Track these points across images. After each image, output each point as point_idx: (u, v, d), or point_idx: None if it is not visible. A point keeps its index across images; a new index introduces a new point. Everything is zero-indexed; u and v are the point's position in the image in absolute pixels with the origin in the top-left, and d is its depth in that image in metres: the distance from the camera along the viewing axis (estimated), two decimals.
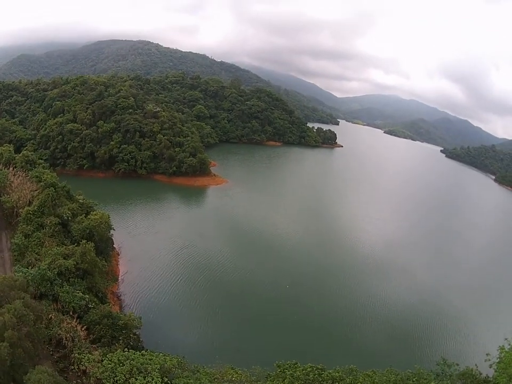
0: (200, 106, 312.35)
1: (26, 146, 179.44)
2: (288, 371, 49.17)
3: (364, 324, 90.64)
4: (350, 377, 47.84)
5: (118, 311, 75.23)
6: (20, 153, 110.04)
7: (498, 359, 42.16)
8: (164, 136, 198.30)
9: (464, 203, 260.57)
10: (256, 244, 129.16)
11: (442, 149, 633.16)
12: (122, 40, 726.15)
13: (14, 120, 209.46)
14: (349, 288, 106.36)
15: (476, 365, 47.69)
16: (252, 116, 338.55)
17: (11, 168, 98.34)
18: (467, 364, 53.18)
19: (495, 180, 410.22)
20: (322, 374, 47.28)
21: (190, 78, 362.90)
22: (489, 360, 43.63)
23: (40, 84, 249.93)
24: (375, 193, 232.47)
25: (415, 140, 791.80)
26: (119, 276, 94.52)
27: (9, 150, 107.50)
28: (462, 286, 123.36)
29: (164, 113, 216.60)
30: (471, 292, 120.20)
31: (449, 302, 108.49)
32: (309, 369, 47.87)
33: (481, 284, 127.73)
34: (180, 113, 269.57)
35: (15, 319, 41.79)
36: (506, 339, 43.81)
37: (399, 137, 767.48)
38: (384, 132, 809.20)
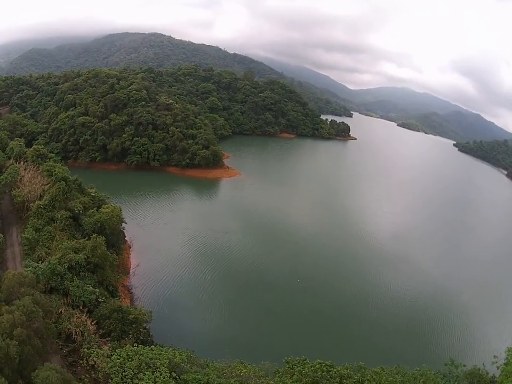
0: (213, 98, 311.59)
1: (37, 139, 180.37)
2: (297, 367, 49.03)
3: (372, 318, 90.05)
4: (358, 374, 47.70)
5: (129, 304, 75.54)
6: (31, 147, 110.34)
7: (506, 361, 41.68)
8: (176, 129, 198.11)
9: (476, 197, 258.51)
10: (268, 236, 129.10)
11: (455, 142, 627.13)
12: (134, 33, 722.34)
13: (25, 114, 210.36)
14: (358, 282, 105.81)
15: (483, 364, 47.37)
16: (265, 108, 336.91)
17: (22, 162, 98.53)
18: (474, 362, 52.96)
19: (507, 175, 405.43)
20: (330, 371, 46.95)
21: (203, 70, 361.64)
22: (496, 362, 43.24)
23: (51, 77, 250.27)
24: (388, 187, 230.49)
25: (427, 133, 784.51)
26: (131, 269, 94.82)
27: (20, 144, 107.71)
28: (472, 281, 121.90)
29: (176, 105, 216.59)
30: (480, 288, 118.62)
31: (458, 298, 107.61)
32: (317, 365, 47.52)
33: (491, 280, 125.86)
34: (193, 105, 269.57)
35: (24, 317, 42.00)
36: None
37: (412, 130, 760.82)
38: (397, 125, 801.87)
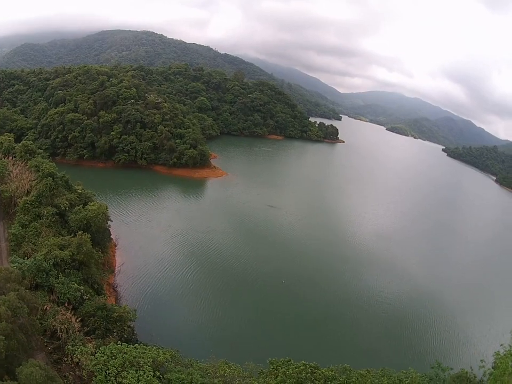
0: (202, 98, 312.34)
1: (27, 135, 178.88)
2: (281, 368, 49.09)
3: (359, 321, 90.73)
4: (343, 376, 47.76)
5: (114, 302, 75.46)
6: (20, 143, 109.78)
7: (494, 365, 41.97)
8: (164, 127, 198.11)
9: (464, 202, 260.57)
10: (253, 236, 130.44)
11: (444, 147, 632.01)
12: (126, 30, 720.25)
13: (15, 109, 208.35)
14: (343, 283, 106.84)
15: (470, 367, 47.63)
16: (254, 109, 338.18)
17: (10, 158, 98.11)
18: (460, 365, 53.24)
19: (496, 181, 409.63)
20: (315, 372, 47.04)
21: (193, 70, 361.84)
22: (484, 366, 43.53)
23: (42, 73, 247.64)
24: (375, 190, 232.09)
25: (416, 138, 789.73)
26: (116, 267, 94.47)
27: (9, 139, 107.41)
28: (458, 284, 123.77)
29: (165, 104, 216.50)
30: (467, 292, 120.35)
31: (444, 301, 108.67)
32: (302, 367, 47.59)
33: (478, 284, 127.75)
34: (182, 104, 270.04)
35: (10, 312, 41.68)
36: (501, 345, 43.51)
37: (401, 134, 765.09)
38: (386, 129, 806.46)
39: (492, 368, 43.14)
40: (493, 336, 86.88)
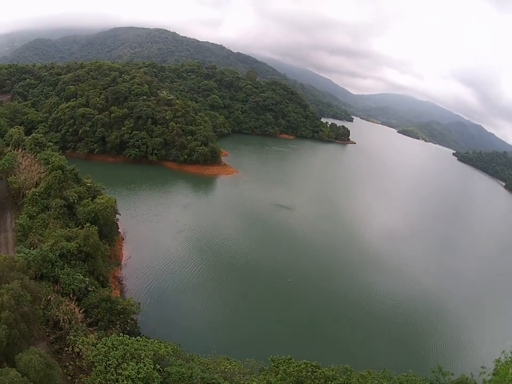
0: (214, 96, 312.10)
1: (37, 128, 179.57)
2: (282, 366, 48.95)
3: (362, 323, 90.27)
4: (344, 377, 47.52)
5: (119, 295, 75.63)
6: (30, 136, 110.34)
7: (494, 371, 41.75)
8: (176, 124, 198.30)
9: (474, 208, 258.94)
10: (260, 233, 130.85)
11: (455, 152, 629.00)
12: (139, 27, 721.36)
13: (26, 103, 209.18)
14: (351, 286, 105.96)
15: (471, 373, 47.39)
16: (266, 108, 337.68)
17: (20, 150, 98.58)
18: (463, 371, 52.98)
19: (505, 187, 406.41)
20: (316, 371, 46.88)
21: (205, 68, 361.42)
22: (484, 372, 43.34)
23: (54, 67, 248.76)
24: (383, 194, 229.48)
25: (427, 141, 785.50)
26: (122, 261, 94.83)
27: (19, 132, 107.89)
28: (463, 291, 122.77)
29: (177, 101, 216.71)
30: (472, 298, 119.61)
31: (450, 307, 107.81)
32: (302, 365, 47.45)
33: (484, 290, 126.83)
34: (194, 102, 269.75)
35: (13, 300, 41.88)
36: (503, 352, 43.26)
37: (412, 137, 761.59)
38: (397, 132, 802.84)
39: (493, 374, 42.90)
40: (494, 343, 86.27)
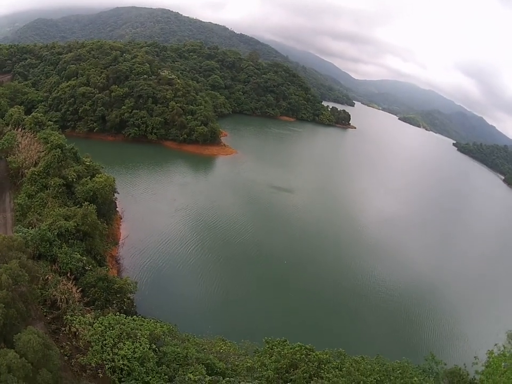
0: (215, 76, 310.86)
1: (37, 108, 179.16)
2: (276, 348, 49.25)
3: (357, 308, 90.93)
4: (338, 360, 47.90)
5: (116, 274, 76.07)
6: (30, 115, 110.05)
7: (487, 364, 42.01)
8: (176, 104, 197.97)
9: (472, 200, 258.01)
10: (257, 214, 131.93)
11: (455, 142, 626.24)
12: (141, 7, 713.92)
13: (26, 82, 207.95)
14: (347, 270, 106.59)
15: (464, 364, 47.69)
16: (267, 89, 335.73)
17: (20, 129, 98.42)
18: (455, 360, 53.41)
19: (504, 181, 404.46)
20: (310, 354, 47.12)
21: (208, 48, 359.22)
22: (477, 363, 43.61)
23: (55, 47, 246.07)
24: (382, 181, 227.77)
25: (428, 130, 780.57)
26: (120, 240, 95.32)
27: (19, 112, 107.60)
28: (461, 280, 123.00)
29: (178, 80, 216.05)
30: (468, 287, 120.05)
31: (445, 295, 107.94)
32: (297, 348, 47.71)
33: (480, 280, 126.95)
34: (195, 81, 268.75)
35: (11, 280, 42.09)
36: (496, 344, 43.44)
37: (413, 125, 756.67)
38: (398, 118, 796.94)
39: (485, 366, 43.18)
40: (488, 334, 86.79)
